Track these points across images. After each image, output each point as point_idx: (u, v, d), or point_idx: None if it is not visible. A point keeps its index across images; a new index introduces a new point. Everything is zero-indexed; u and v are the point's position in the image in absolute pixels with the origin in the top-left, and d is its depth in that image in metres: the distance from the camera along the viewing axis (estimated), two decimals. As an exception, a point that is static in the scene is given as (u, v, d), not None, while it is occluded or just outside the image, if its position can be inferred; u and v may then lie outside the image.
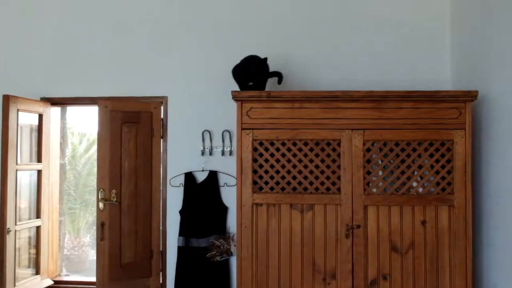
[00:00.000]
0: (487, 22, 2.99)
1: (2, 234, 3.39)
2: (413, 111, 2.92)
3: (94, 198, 3.76)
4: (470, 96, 2.89)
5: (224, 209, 3.65)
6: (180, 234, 3.62)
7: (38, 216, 3.78)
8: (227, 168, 3.65)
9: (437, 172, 2.94)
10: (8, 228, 3.42)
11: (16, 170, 3.52)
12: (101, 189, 3.54)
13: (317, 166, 2.97)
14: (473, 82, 3.15)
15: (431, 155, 2.94)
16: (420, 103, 2.92)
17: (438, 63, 3.61)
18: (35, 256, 3.77)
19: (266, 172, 2.98)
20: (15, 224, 3.51)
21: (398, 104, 2.93)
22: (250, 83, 3.12)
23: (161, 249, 3.72)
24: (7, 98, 3.44)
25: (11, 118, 3.46)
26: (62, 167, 4.18)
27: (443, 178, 2.93)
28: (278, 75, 3.21)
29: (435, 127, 2.91)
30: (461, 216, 2.88)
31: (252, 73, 3.12)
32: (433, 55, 3.62)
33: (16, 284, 3.50)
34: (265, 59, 3.16)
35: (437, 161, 2.94)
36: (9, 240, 3.44)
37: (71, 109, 4.38)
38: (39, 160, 3.80)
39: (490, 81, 2.94)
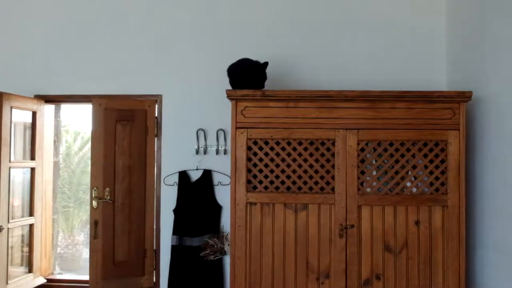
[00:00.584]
0: (483, 23, 2.99)
1: (-5, 232, 3.38)
2: (408, 111, 2.93)
3: (88, 196, 3.74)
4: (464, 97, 2.89)
5: (218, 208, 3.64)
6: (174, 233, 3.61)
7: (31, 214, 3.76)
8: (222, 167, 3.64)
9: (431, 173, 2.94)
10: (1, 226, 3.40)
11: (9, 167, 3.50)
12: (95, 187, 3.53)
13: (311, 166, 2.97)
14: (468, 83, 3.16)
15: (425, 155, 2.94)
16: (415, 103, 2.92)
17: (434, 64, 3.62)
18: (28, 254, 3.75)
19: (260, 171, 2.98)
20: (8, 222, 3.48)
21: (392, 104, 2.94)
22: (248, 84, 3.09)
23: (154, 248, 3.70)
24: (0, 95, 3.42)
25: (5, 115, 3.44)
26: (56, 165, 4.16)
27: (437, 178, 2.94)
28: None
29: (429, 127, 2.92)
30: (454, 216, 2.89)
31: (251, 75, 3.10)
32: (428, 55, 3.63)
33: (9, 282, 3.47)
34: (266, 64, 3.15)
35: (431, 161, 2.94)
36: (2, 238, 3.41)
37: (65, 108, 4.36)
38: (32, 157, 3.78)
39: (484, 82, 2.95)
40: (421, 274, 2.91)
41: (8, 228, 3.48)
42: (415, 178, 2.96)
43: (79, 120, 6.93)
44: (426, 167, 2.95)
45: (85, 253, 6.38)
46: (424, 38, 3.63)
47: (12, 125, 3.55)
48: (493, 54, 2.84)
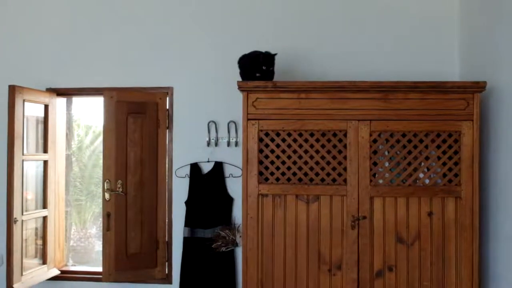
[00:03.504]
0: (496, 12, 2.94)
1: (10, 224, 3.41)
2: (420, 102, 2.90)
3: (101, 190, 3.77)
4: (478, 87, 2.86)
5: (230, 200, 3.65)
6: (186, 224, 3.63)
7: (44, 206, 3.80)
8: (233, 159, 3.65)
9: (444, 164, 2.92)
10: (15, 218, 3.44)
11: (23, 160, 3.53)
12: (107, 180, 3.55)
13: (323, 157, 2.96)
14: (481, 73, 3.12)
15: (438, 146, 2.92)
16: (428, 94, 2.89)
17: (446, 54, 3.57)
18: (41, 246, 3.80)
19: (272, 162, 2.97)
20: (22, 214, 3.52)
21: (405, 95, 2.91)
22: (258, 74, 3.09)
23: (166, 240, 3.73)
24: (13, 89, 3.45)
25: (17, 109, 3.46)
26: (68, 158, 4.20)
27: (450, 169, 2.91)
28: None
29: (442, 118, 2.89)
30: (467, 207, 2.86)
31: (259, 63, 3.09)
32: (441, 46, 3.58)
33: (23, 273, 3.52)
34: (275, 54, 3.15)
35: (444, 152, 2.91)
36: (16, 230, 3.46)
37: (77, 102, 4.38)
38: (45, 151, 3.81)
39: (498, 72, 2.90)
40: (433, 266, 2.90)
41: (22, 220, 3.52)
42: (428, 169, 2.94)
43: (90, 114, 6.96)
44: (439, 158, 2.92)
45: (98, 246, 6.41)
46: (437, 28, 3.59)
47: (25, 118, 3.57)
48: (507, 43, 2.80)
